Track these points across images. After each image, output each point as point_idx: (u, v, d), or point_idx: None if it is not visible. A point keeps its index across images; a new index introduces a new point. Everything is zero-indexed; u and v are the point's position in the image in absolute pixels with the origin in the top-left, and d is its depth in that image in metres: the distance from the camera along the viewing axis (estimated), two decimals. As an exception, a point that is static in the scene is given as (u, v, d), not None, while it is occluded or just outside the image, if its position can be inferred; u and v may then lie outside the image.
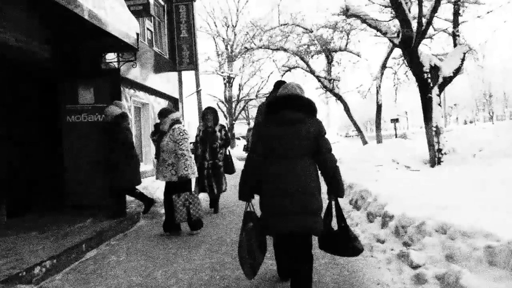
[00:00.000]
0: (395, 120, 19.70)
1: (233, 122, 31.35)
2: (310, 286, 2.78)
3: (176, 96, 13.61)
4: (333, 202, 2.93)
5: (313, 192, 2.76)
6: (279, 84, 4.20)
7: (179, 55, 13.37)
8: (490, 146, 9.67)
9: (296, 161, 2.74)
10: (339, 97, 16.32)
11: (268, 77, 31.04)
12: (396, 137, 19.92)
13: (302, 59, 16.01)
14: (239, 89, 32.30)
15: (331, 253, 3.06)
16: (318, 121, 2.85)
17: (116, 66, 7.52)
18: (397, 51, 16.83)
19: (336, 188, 2.83)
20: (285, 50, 15.64)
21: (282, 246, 3.17)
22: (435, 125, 9.41)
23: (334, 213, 2.96)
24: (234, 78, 30.76)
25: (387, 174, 7.32)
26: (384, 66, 15.92)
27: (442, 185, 5.83)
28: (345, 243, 2.93)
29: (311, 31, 15.54)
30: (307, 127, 2.76)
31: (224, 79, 31.25)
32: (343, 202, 6.55)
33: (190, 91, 23.31)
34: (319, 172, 2.81)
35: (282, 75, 18.07)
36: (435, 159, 9.26)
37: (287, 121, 2.77)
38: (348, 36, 15.01)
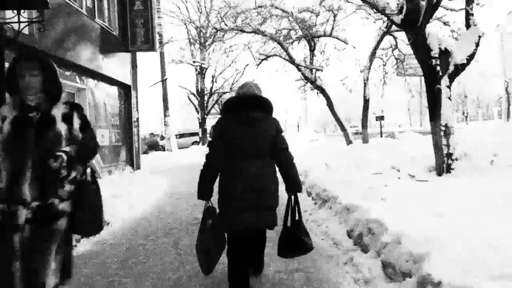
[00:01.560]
0: (380, 118, 17.96)
1: (205, 116, 29.06)
2: (262, 267, 3.38)
3: (128, 82, 11.26)
4: (292, 198, 3.05)
5: (273, 189, 2.94)
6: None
7: (132, 31, 11.01)
8: (506, 151, 7.90)
9: (256, 160, 2.87)
10: (321, 90, 14.33)
11: (244, 68, 28.87)
12: (381, 136, 18.20)
13: (280, 45, 13.92)
14: (212, 81, 29.87)
15: (287, 256, 3.17)
16: (275, 119, 3.03)
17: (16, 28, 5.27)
18: (386, 41, 15.05)
19: (294, 184, 3.04)
20: (261, 33, 13.50)
21: (239, 242, 2.96)
22: (444, 124, 7.51)
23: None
24: (206, 69, 28.37)
25: (394, 188, 5.33)
26: (373, 56, 14.03)
27: (485, 206, 3.89)
28: (297, 238, 3.02)
29: (292, 14, 13.48)
30: (265, 126, 2.92)
31: (196, 69, 28.81)
32: (336, 229, 4.51)
33: (154, 79, 20.88)
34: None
35: (258, 64, 15.96)
36: (442, 165, 7.36)
37: (247, 121, 2.87)
38: (334, 18, 13.01)
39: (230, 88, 30.46)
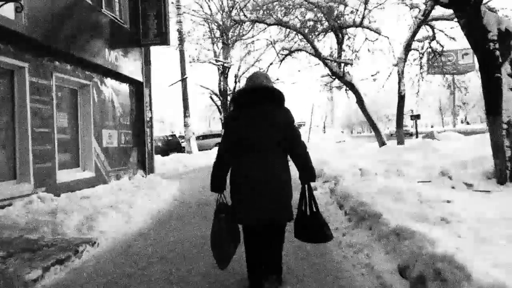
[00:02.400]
0: (415, 117, 16.47)
1: (228, 117, 28.06)
2: (281, 271, 3.10)
3: (140, 78, 10.37)
4: (306, 187, 2.98)
5: (286, 182, 2.88)
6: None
7: (144, 23, 10.13)
8: None
9: (268, 152, 2.81)
10: (351, 86, 13.08)
11: (268, 67, 27.71)
12: (417, 136, 16.70)
13: (305, 38, 12.77)
14: (235, 81, 28.90)
15: (305, 241, 3.03)
16: (286, 109, 2.92)
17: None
18: (423, 31, 13.62)
19: (308, 174, 2.95)
20: (284, 25, 12.38)
21: (254, 236, 2.95)
22: (506, 121, 6.21)
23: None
24: (229, 68, 27.43)
25: (454, 202, 4.11)
26: (408, 47, 12.65)
27: None
28: (316, 228, 2.94)
29: (317, 4, 12.30)
30: (277, 117, 2.83)
31: (218, 69, 27.93)
32: (382, 262, 3.34)
33: (173, 79, 20.04)
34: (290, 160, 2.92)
35: (282, 60, 14.87)
36: (505, 171, 6.06)
37: (257, 113, 2.82)
38: (365, 6, 11.74)
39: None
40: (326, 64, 13.21)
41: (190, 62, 25.42)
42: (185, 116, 19.33)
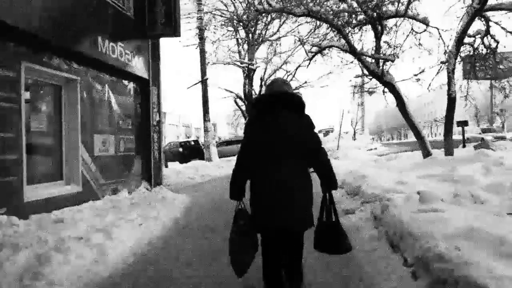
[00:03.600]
0: (463, 123, 14.41)
1: (253, 122, 26.57)
2: (301, 278, 3.06)
3: (144, 75, 8.96)
4: (327, 195, 2.97)
5: (306, 189, 2.87)
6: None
7: (150, 11, 8.71)
8: None
9: (288, 160, 2.77)
10: (391, 87, 11.26)
11: (296, 69, 26.18)
12: (464, 145, 14.61)
13: (339, 31, 11.07)
14: (261, 85, 27.40)
15: (323, 251, 2.99)
16: (307, 116, 2.90)
17: None
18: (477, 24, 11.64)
19: (329, 181, 2.93)
20: (315, 16, 10.73)
21: (273, 244, 2.94)
22: None
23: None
24: (254, 71, 25.95)
25: None
26: (460, 42, 10.73)
27: None
28: (337, 238, 2.92)
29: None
30: (297, 124, 2.81)
31: (243, 72, 26.53)
32: None
33: (192, 80, 18.72)
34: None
35: (311, 59, 13.22)
36: None
37: (278, 120, 2.79)
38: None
39: (280, 92, 27.88)
40: (362, 62, 11.46)
41: (213, 63, 24.23)
42: (205, 121, 17.89)
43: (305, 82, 27.28)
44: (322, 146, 2.90)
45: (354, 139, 34.91)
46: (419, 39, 11.03)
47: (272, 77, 28.02)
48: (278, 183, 2.73)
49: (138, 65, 8.66)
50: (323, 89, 35.04)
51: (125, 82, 8.50)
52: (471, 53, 11.10)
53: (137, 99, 8.96)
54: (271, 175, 2.75)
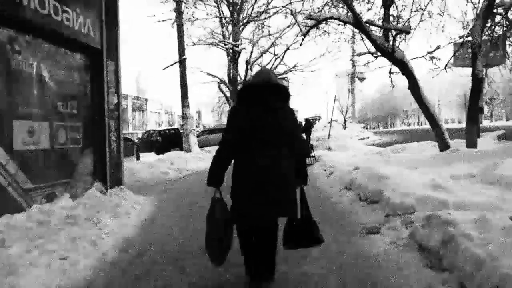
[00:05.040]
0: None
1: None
2: (274, 272, 3.05)
3: (96, 44, 6.85)
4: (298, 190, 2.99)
5: (290, 179, 2.85)
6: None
7: (100, -41, 6.59)
8: None
9: (272, 149, 2.77)
10: (402, 66, 9.39)
11: (285, 52, 24.18)
12: (478, 136, 12.92)
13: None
14: (247, 69, 25.31)
15: (293, 247, 3.01)
16: (291, 109, 2.98)
17: None
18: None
19: (303, 175, 3.02)
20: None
21: (251, 234, 2.96)
22: None
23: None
24: (239, 53, 23.81)
25: None
26: (489, 10, 8.89)
27: None
28: (309, 232, 2.95)
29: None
30: (283, 115, 2.85)
31: (228, 54, 24.39)
32: None
33: (169, 60, 16.51)
34: None
35: (305, 34, 11.26)
36: None
37: (263, 109, 2.80)
38: None
39: (267, 77, 25.85)
40: (368, 36, 9.54)
41: (194, 43, 22.03)
42: (183, 106, 15.74)
43: (295, 66, 25.28)
44: (303, 140, 3.08)
45: (345, 128, 33.19)
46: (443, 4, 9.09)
47: (259, 61, 26.02)
48: (273, 173, 2.72)
49: (86, 31, 6.56)
50: (312, 75, 32.81)
51: (67, 52, 6.40)
52: (507, 25, 9.24)
53: (85, 76, 6.87)
54: (258, 162, 2.73)
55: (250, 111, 2.77)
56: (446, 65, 9.63)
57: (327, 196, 7.03)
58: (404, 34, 9.02)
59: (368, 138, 29.32)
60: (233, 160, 2.87)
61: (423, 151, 10.39)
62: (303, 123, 24.08)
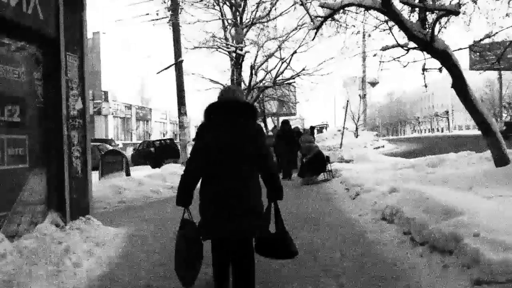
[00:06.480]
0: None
1: (242, 116, 22.72)
2: (253, 283, 2.91)
3: (50, 33, 5.12)
4: (272, 205, 3.01)
5: (258, 195, 2.88)
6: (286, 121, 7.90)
7: None
8: None
9: (240, 166, 2.79)
10: (444, 59, 7.56)
11: (292, 55, 22.42)
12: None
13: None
14: (251, 73, 23.56)
15: (268, 256, 3.08)
16: (258, 125, 3.03)
17: None
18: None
19: (276, 191, 2.96)
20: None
21: (223, 249, 2.92)
22: None
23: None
24: (243, 56, 22.12)
25: None
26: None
27: None
28: (283, 246, 2.99)
29: None
30: (249, 130, 2.87)
31: (231, 59, 22.74)
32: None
33: (166, 65, 14.85)
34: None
35: (318, 27, 9.51)
36: None
37: (230, 126, 2.83)
38: None
39: (274, 82, 24.12)
40: (400, 23, 7.72)
41: (195, 47, 20.38)
42: (180, 114, 13.95)
43: (303, 70, 23.43)
44: (272, 157, 3.18)
45: (357, 136, 31.19)
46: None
47: (264, 65, 24.29)
48: (237, 189, 2.74)
49: (32, 12, 4.83)
50: (321, 79, 30.68)
51: (8, 41, 4.67)
52: None
53: (35, 72, 5.12)
54: (225, 179, 2.75)
55: (217, 128, 2.82)
56: (499, 59, 7.75)
57: (360, 231, 5.16)
58: (446, 18, 7.20)
59: (383, 147, 27.36)
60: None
61: (468, 165, 8.50)
62: (303, 129, 22.16)
